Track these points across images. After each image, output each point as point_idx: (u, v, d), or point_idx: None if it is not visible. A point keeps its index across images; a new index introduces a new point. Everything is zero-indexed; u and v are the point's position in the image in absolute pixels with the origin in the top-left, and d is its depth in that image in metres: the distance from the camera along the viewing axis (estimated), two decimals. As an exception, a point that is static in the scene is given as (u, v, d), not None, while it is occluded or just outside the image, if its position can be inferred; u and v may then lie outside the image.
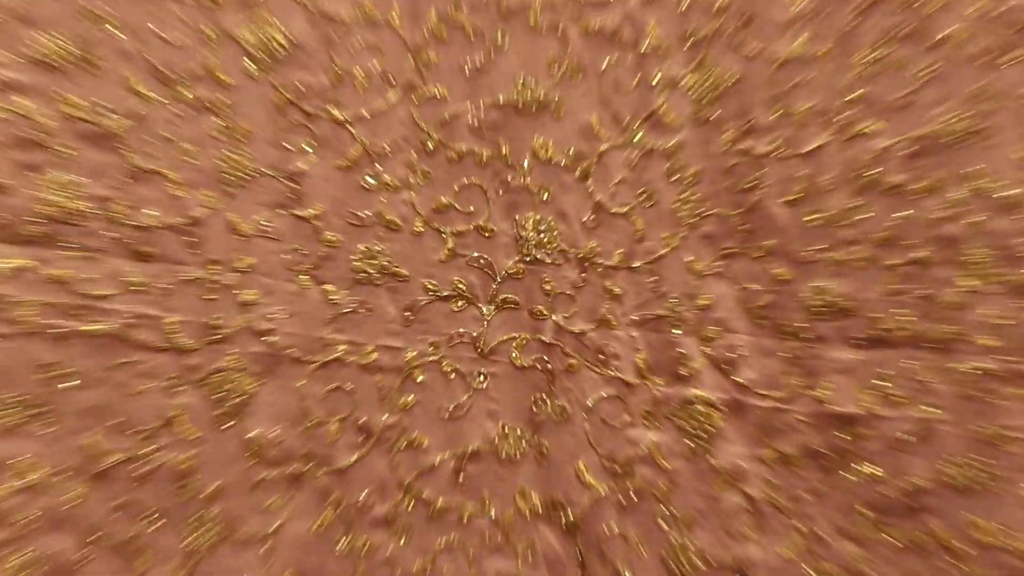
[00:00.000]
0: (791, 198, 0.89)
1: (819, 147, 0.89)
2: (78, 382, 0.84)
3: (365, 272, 0.89)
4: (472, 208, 0.91)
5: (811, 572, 0.87)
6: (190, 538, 0.85)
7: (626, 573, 0.87)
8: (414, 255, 0.90)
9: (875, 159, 0.89)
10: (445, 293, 0.91)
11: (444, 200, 0.90)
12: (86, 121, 0.85)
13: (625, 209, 0.91)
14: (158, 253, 0.86)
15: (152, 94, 0.86)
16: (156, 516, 0.84)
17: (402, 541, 0.88)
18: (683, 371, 0.90)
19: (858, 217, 0.89)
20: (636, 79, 0.91)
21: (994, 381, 0.87)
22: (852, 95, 0.90)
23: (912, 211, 0.89)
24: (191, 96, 0.87)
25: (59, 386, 0.83)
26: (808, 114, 0.89)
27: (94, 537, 0.83)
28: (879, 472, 0.87)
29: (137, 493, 0.84)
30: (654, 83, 0.91)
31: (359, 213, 0.89)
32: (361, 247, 0.89)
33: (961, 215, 0.88)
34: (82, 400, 0.84)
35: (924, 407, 0.88)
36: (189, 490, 0.85)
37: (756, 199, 0.90)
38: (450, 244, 0.90)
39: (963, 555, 0.86)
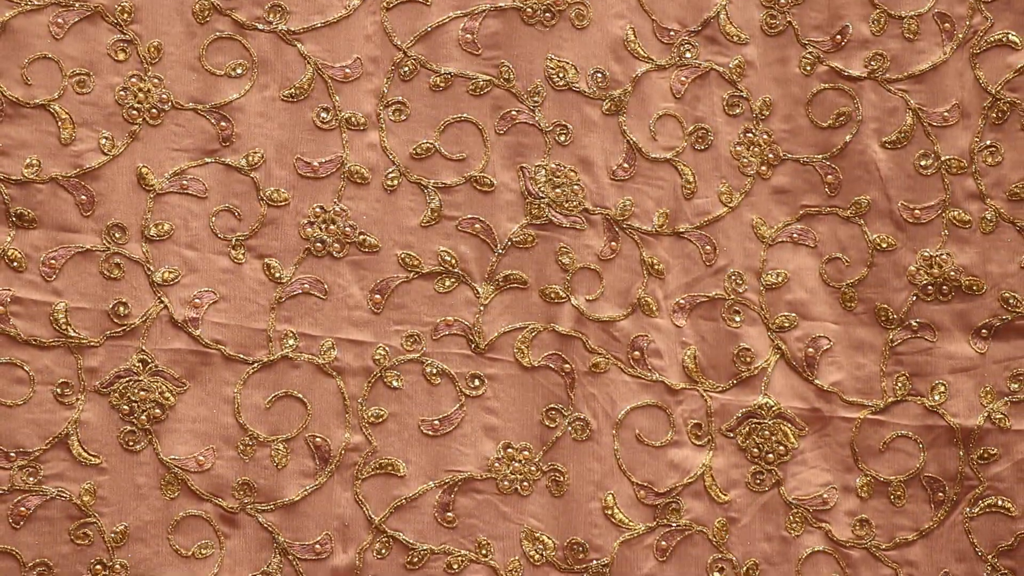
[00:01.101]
0: (895, 137, 0.69)
1: (937, 65, 0.68)
2: None
3: (320, 241, 0.68)
4: (464, 153, 0.70)
5: None
6: None
7: None
8: (386, 217, 0.71)
9: (1011, 82, 0.68)
10: (427, 268, 0.71)
11: (425, 143, 0.69)
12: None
13: (670, 154, 0.70)
14: (40, 216, 0.64)
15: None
16: (43, 569, 0.63)
17: None
18: (746, 372, 0.71)
19: (987, 162, 0.69)
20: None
21: None
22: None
23: None
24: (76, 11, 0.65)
25: None
26: (921, 20, 0.68)
27: None
28: (1009, 505, 0.67)
29: (18, 536, 0.63)
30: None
31: (311, 162, 0.67)
32: (314, 207, 0.68)
33: None
34: None
35: None
36: (88, 536, 0.63)
37: (848, 139, 0.69)
38: (434, 203, 0.68)
39: None
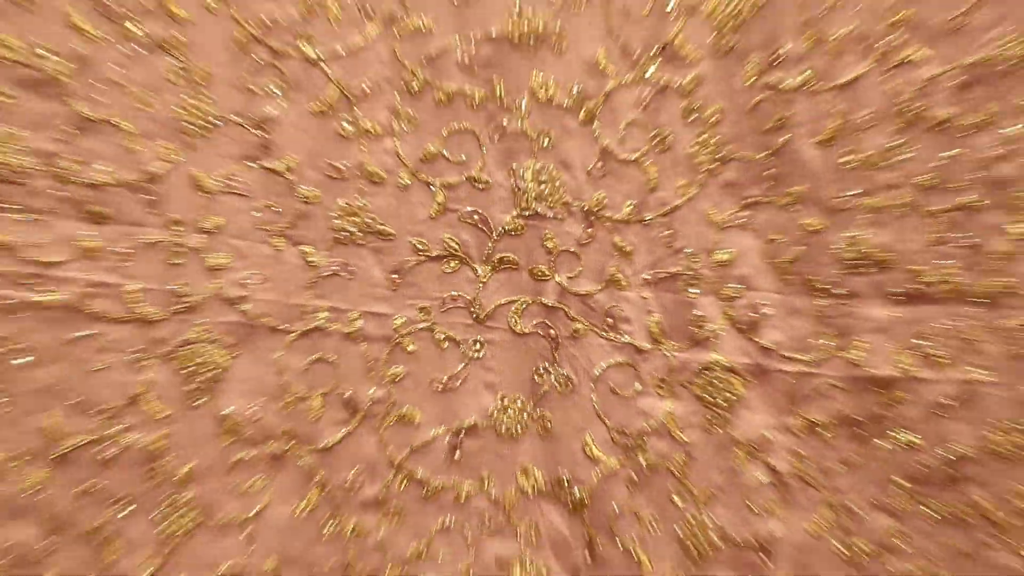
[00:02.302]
0: (823, 138, 0.72)
1: (856, 78, 0.71)
2: (32, 358, 0.68)
3: (346, 231, 0.73)
4: (464, 156, 0.74)
5: (840, 548, 0.73)
6: (163, 524, 0.70)
7: (638, 554, 0.73)
8: (400, 210, 0.73)
9: (920, 91, 0.72)
10: (435, 253, 0.74)
11: (432, 148, 0.73)
12: (24, 65, 0.68)
13: (636, 155, 0.73)
14: (114, 214, 0.69)
15: (97, 32, 0.69)
16: (125, 502, 0.69)
17: (394, 524, 0.74)
18: (701, 334, 0.74)
19: (899, 158, 0.72)
20: (649, 5, 0.73)
21: None
22: (895, 18, 0.73)
23: (960, 149, 0.72)
24: (141, 33, 0.69)
25: (12, 362, 0.69)
26: (844, 41, 0.72)
27: (58, 526, 0.70)
28: (918, 440, 0.72)
29: (103, 478, 0.69)
30: (668, 9, 0.73)
31: (337, 164, 0.72)
32: (341, 203, 0.72)
33: (1016, 153, 0.71)
34: (38, 378, 0.68)
35: (968, 368, 0.72)
36: (160, 473, 0.70)
37: (784, 140, 0.72)
38: (440, 197, 0.73)
39: (1008, 527, 0.72)
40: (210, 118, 0.70)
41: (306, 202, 0.72)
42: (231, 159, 0.71)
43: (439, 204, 0.73)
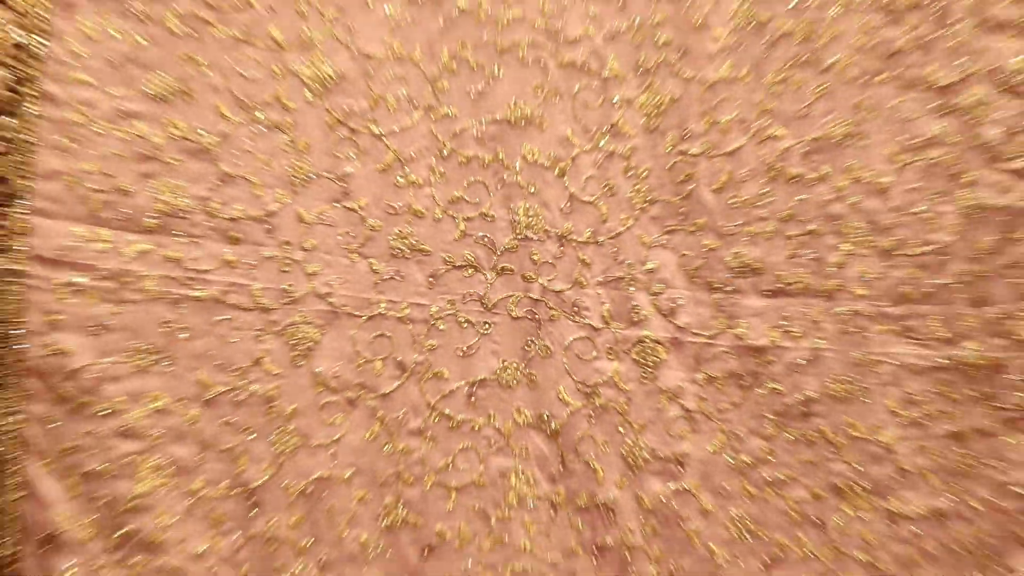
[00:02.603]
0: (717, 187, 1.04)
1: (738, 148, 1.03)
2: (189, 334, 0.99)
3: (399, 248, 1.03)
4: (478, 199, 1.04)
5: (730, 461, 1.04)
6: (276, 446, 1.00)
7: (594, 465, 1.04)
8: (435, 235, 1.04)
9: (779, 156, 1.03)
10: (459, 263, 1.04)
11: (456, 194, 1.04)
12: (187, 139, 0.99)
13: (592, 198, 1.05)
14: (244, 238, 1.00)
15: (235, 117, 1.00)
16: (251, 430, 1.00)
17: (430, 445, 1.04)
18: (636, 318, 1.04)
19: (767, 200, 1.04)
20: (600, 100, 1.05)
21: (865, 320, 1.02)
22: (763, 109, 1.04)
23: (807, 195, 1.03)
24: (264, 118, 1.00)
25: (177, 336, 0.98)
26: (730, 123, 1.03)
27: (206, 446, 1.00)
28: (781, 388, 1.03)
29: (236, 414, 0.99)
30: (614, 102, 1.05)
31: (393, 204, 1.03)
32: (396, 230, 1.03)
33: (843, 197, 1.03)
34: (193, 347, 0.98)
35: (815, 339, 1.03)
36: (274, 411, 1.00)
37: (691, 188, 1.04)
38: (462, 227, 1.04)
39: (840, 446, 1.02)
40: (309, 174, 1.02)
41: (372, 229, 1.03)
42: (322, 201, 1.02)
43: (461, 231, 1.04)
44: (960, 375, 1.01)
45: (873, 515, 1.01)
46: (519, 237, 1.04)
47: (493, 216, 1.04)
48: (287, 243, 1.00)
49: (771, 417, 1.02)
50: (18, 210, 0.94)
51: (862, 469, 1.01)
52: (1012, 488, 1.01)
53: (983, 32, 1.02)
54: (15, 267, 0.93)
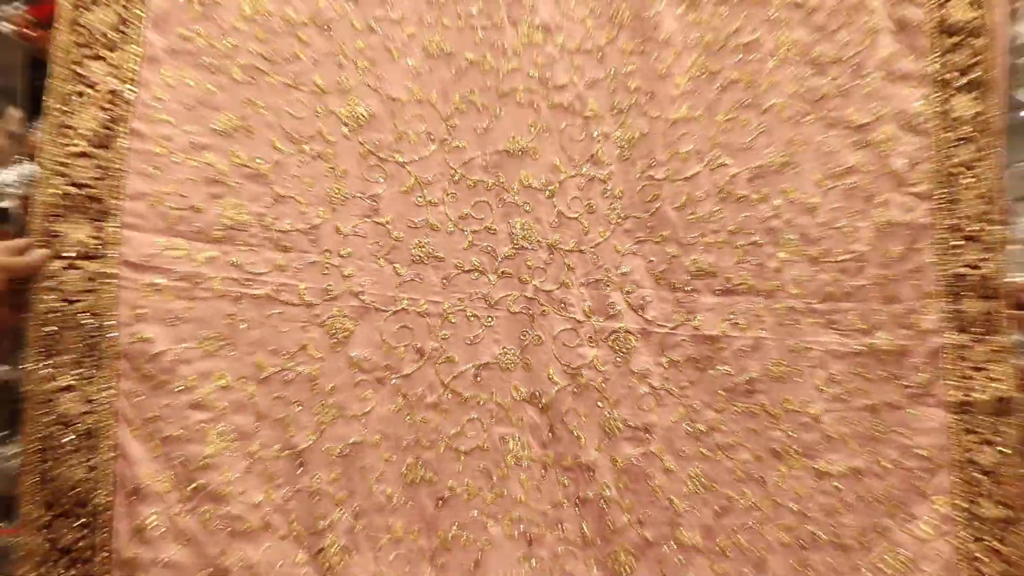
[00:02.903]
0: (678, 205, 1.25)
1: (695, 174, 1.25)
2: (247, 325, 1.17)
3: (418, 256, 1.22)
4: (483, 216, 1.24)
5: (688, 429, 1.23)
6: (317, 416, 1.18)
7: (577, 432, 1.22)
8: (448, 245, 1.23)
9: (728, 181, 1.25)
10: (467, 268, 1.23)
11: (465, 211, 1.24)
12: (246, 166, 1.19)
13: (576, 215, 1.25)
14: (292, 246, 1.19)
15: (286, 149, 1.20)
16: (297, 404, 1.18)
17: (443, 417, 1.21)
18: (612, 312, 1.24)
19: (719, 217, 1.25)
20: (583, 135, 1.25)
21: (797, 314, 1.24)
22: (715, 142, 1.25)
23: (751, 213, 1.25)
24: (309, 149, 1.21)
25: (238, 327, 1.17)
26: (689, 154, 1.25)
27: (261, 417, 1.18)
28: (730, 370, 1.24)
29: (286, 391, 1.17)
30: (594, 136, 1.26)
31: (414, 220, 1.23)
32: (415, 240, 1.22)
33: (779, 215, 1.24)
34: (250, 336, 1.16)
35: (757, 330, 1.24)
36: (316, 388, 1.18)
37: (657, 207, 1.25)
38: (470, 238, 1.23)
39: (777, 416, 1.23)
40: (345, 194, 1.21)
41: (396, 240, 1.22)
42: (356, 216, 1.21)
43: (469, 242, 1.23)
44: (873, 359, 1.24)
45: (803, 473, 1.22)
46: (516, 247, 1.24)
47: (495, 229, 1.24)
48: (327, 251, 1.20)
49: (722, 393, 1.23)
50: (111, 224, 1.15)
51: (795, 436, 1.22)
52: (915, 451, 1.23)
53: (890, 82, 1.25)
54: (109, 270, 1.14)
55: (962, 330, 1.22)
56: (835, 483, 1.21)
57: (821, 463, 1.22)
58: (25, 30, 1.20)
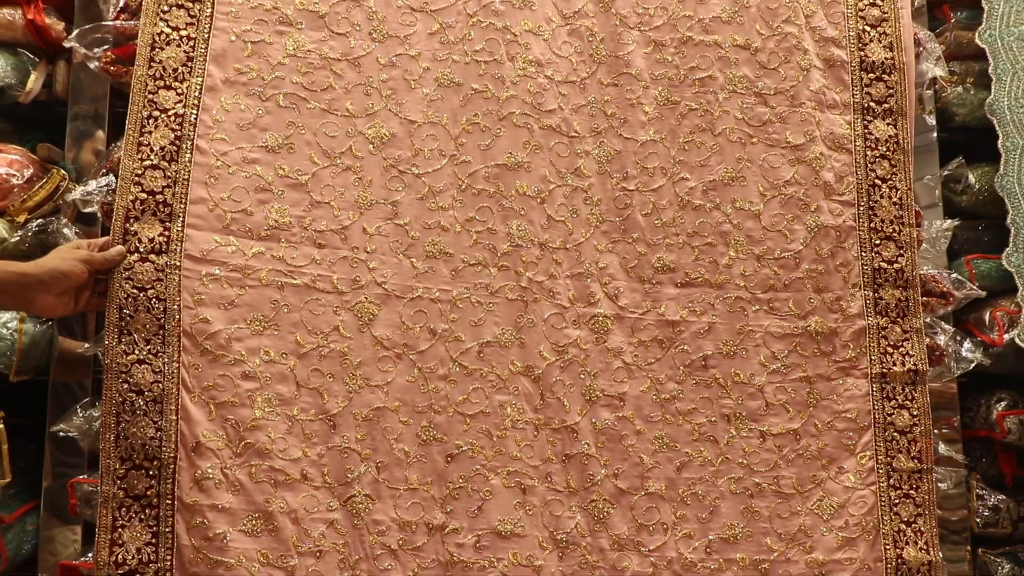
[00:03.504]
0: (646, 212, 1.48)
1: (660, 186, 1.48)
2: (289, 309, 1.37)
3: (432, 252, 1.43)
4: (485, 219, 1.45)
5: (654, 399, 1.43)
6: (348, 386, 1.38)
7: (564, 400, 1.41)
8: (456, 243, 1.44)
9: (687, 192, 1.48)
10: (472, 262, 1.43)
11: (471, 215, 1.45)
12: (289, 177, 1.40)
13: (563, 218, 1.47)
14: (327, 243, 1.40)
15: (322, 163, 1.42)
16: (330, 375, 1.37)
17: (452, 385, 1.41)
18: (592, 300, 1.45)
19: (680, 222, 1.47)
20: (568, 152, 1.48)
21: (744, 302, 1.46)
22: (676, 160, 1.48)
23: (705, 219, 1.48)
24: (341, 163, 1.42)
25: (281, 312, 1.37)
26: (655, 169, 1.48)
27: (300, 385, 1.37)
28: (688, 348, 1.45)
29: (321, 364, 1.37)
30: (578, 153, 1.48)
31: (427, 222, 1.44)
32: (429, 239, 1.43)
33: (730, 220, 1.47)
34: (292, 318, 1.37)
35: (711, 316, 1.46)
36: (347, 361, 1.38)
37: (628, 213, 1.48)
38: (474, 237, 1.44)
39: (728, 387, 1.44)
40: (371, 201, 1.42)
41: (414, 239, 1.42)
42: (380, 219, 1.42)
43: (474, 240, 1.43)
44: (808, 339, 1.46)
45: (749, 434, 1.43)
46: (513, 244, 1.45)
47: (495, 230, 1.45)
48: (356, 247, 1.40)
49: (682, 368, 1.44)
50: (177, 224, 1.36)
51: (742, 403, 1.44)
52: (843, 415, 1.45)
53: (820, 110, 1.49)
54: (175, 263, 1.35)
55: (882, 314, 1.47)
56: (776, 442, 1.43)
57: (765, 425, 1.43)
58: (110, 66, 1.41)
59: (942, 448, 1.47)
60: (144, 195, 1.36)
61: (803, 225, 1.47)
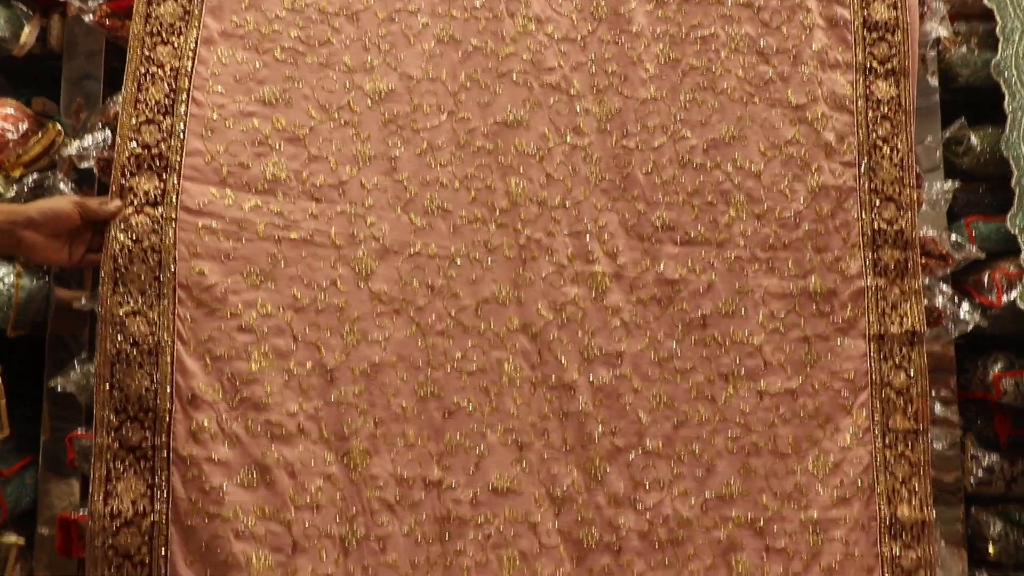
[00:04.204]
0: (646, 171, 1.45)
1: (661, 144, 1.46)
2: (285, 263, 1.34)
3: (431, 208, 1.38)
4: (484, 176, 1.41)
5: (653, 358, 1.40)
6: (345, 340, 1.34)
7: (561, 358, 1.39)
8: (455, 199, 1.40)
9: (688, 151, 1.46)
10: (471, 219, 1.40)
11: (469, 171, 1.41)
12: (286, 131, 1.37)
13: (562, 177, 1.43)
14: (324, 198, 1.36)
15: (319, 117, 1.38)
16: (328, 330, 1.34)
17: (450, 342, 1.37)
18: (591, 258, 1.41)
19: (679, 180, 1.45)
20: (568, 109, 1.45)
21: (743, 262, 1.44)
22: (677, 118, 1.46)
23: (706, 178, 1.45)
24: (339, 118, 1.39)
25: (279, 266, 1.35)
26: (655, 127, 1.46)
27: (297, 340, 1.34)
28: (687, 307, 1.43)
29: (318, 319, 1.33)
30: (577, 111, 1.45)
31: (427, 178, 1.39)
32: (428, 195, 1.39)
33: (730, 179, 1.45)
34: (289, 272, 1.33)
35: (710, 274, 1.43)
36: (344, 317, 1.34)
37: (628, 171, 1.45)
38: (473, 194, 1.40)
39: (726, 346, 1.41)
40: (368, 155, 1.39)
41: (412, 195, 1.39)
42: (378, 174, 1.38)
43: (472, 197, 1.38)
44: (807, 299, 1.44)
45: (747, 393, 1.41)
46: (512, 202, 1.42)
47: (494, 187, 1.42)
48: (354, 202, 1.37)
49: (680, 327, 1.42)
50: (172, 177, 1.34)
51: (740, 362, 1.42)
52: (840, 375, 1.43)
53: (823, 69, 1.46)
54: (170, 214, 1.32)
55: (881, 275, 1.45)
56: (773, 401, 1.41)
57: (762, 384, 1.41)
58: (105, 20, 1.38)
59: (938, 409, 1.46)
60: (140, 151, 1.34)
61: (804, 185, 1.45)
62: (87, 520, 1.31)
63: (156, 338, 1.30)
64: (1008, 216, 1.46)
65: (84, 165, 1.41)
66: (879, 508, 1.40)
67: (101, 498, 1.28)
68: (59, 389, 1.38)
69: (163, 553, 1.27)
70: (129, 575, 1.27)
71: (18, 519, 1.43)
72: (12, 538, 1.39)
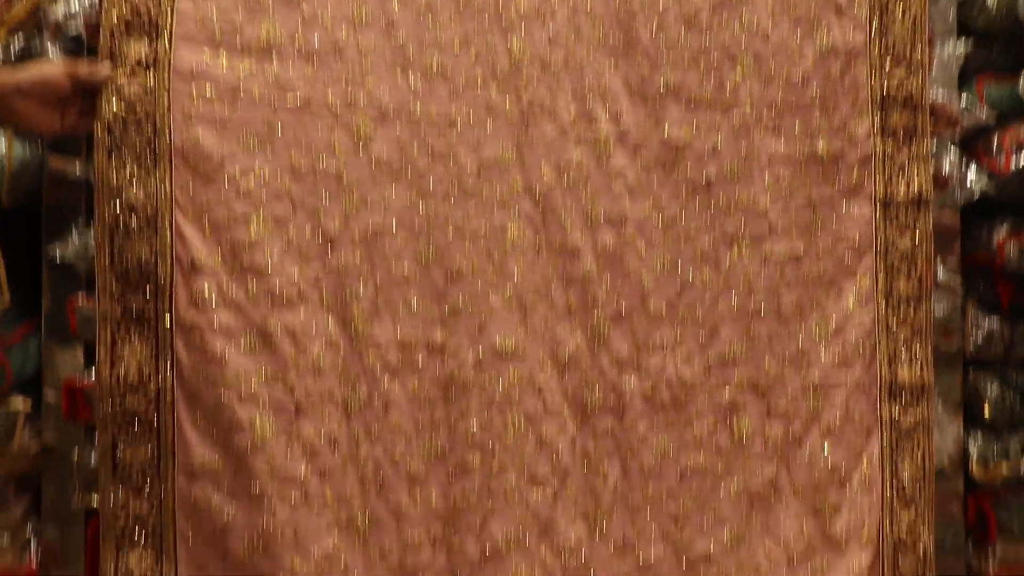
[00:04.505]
0: (651, 30, 1.39)
1: (666, 3, 1.39)
2: (282, 129, 1.30)
3: (429, 70, 1.34)
4: (484, 37, 1.36)
5: (661, 220, 1.38)
6: (344, 206, 1.32)
7: (565, 222, 1.36)
8: (455, 61, 1.35)
9: (695, 12, 1.40)
10: (471, 81, 1.35)
11: (469, 33, 1.35)
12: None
13: (564, 36, 1.37)
14: (321, 63, 1.31)
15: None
16: (327, 195, 1.32)
17: (452, 206, 1.34)
18: (594, 121, 1.38)
19: (685, 41, 1.39)
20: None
21: (750, 124, 1.39)
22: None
23: (711, 37, 1.40)
24: None
25: (276, 132, 1.31)
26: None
27: (296, 206, 1.32)
28: (692, 170, 1.39)
29: (317, 184, 1.30)
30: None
31: (425, 39, 1.35)
32: (427, 57, 1.35)
33: (737, 41, 1.40)
34: (286, 138, 1.29)
35: (716, 137, 1.39)
36: (342, 183, 1.31)
37: (633, 31, 1.39)
38: (473, 55, 1.35)
39: (731, 210, 1.39)
40: (366, 17, 1.37)
41: (411, 57, 1.34)
42: (376, 36, 1.34)
43: (473, 58, 1.35)
44: (813, 162, 1.41)
45: (751, 256, 1.40)
46: (513, 63, 1.37)
47: (496, 49, 1.36)
48: (351, 65, 1.32)
49: (685, 190, 1.40)
50: (164, 41, 1.29)
51: (744, 225, 1.40)
52: (844, 239, 1.42)
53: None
54: (163, 79, 1.27)
55: (889, 138, 1.42)
56: (778, 265, 1.40)
57: (766, 248, 1.40)
58: None
59: (941, 275, 1.46)
60: (130, 16, 1.29)
61: (812, 45, 1.40)
62: (93, 386, 1.32)
63: (154, 206, 1.28)
64: (1022, 76, 1.43)
65: (72, 33, 1.37)
66: (879, 371, 1.41)
67: (107, 364, 1.28)
68: (57, 259, 1.37)
69: (171, 418, 1.28)
70: (137, 438, 1.29)
71: (24, 385, 1.44)
72: (19, 402, 1.40)
